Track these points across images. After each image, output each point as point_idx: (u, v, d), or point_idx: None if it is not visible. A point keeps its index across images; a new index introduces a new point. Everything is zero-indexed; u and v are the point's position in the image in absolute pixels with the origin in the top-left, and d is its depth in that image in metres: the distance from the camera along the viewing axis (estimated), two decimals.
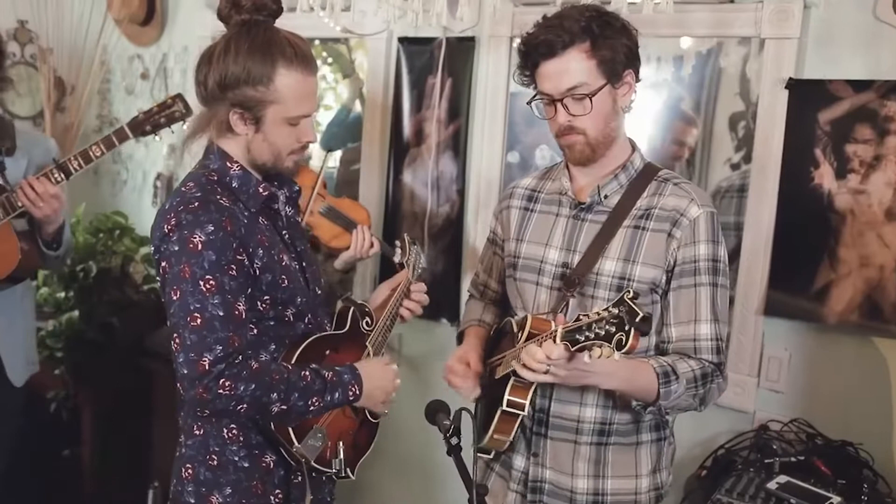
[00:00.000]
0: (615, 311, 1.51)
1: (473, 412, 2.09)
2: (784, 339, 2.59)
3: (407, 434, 3.34)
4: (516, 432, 1.94)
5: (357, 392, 1.87)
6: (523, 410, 1.87)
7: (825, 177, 2.45)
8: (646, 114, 2.73)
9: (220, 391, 1.69)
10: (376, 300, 2.21)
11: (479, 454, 2.06)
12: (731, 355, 2.61)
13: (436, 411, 1.76)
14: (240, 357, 1.72)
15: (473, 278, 2.31)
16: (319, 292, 1.99)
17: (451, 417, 1.70)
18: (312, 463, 1.81)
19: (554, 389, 1.94)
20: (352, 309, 2.06)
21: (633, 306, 1.48)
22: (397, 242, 2.37)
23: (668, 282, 1.90)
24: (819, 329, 2.52)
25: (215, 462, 1.86)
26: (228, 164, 1.84)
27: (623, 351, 1.49)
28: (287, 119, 1.81)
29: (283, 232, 1.92)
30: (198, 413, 1.82)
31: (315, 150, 3.56)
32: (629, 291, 1.51)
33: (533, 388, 1.87)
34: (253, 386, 1.71)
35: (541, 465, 1.98)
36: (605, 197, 1.94)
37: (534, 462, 1.99)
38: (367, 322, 2.08)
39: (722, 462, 2.48)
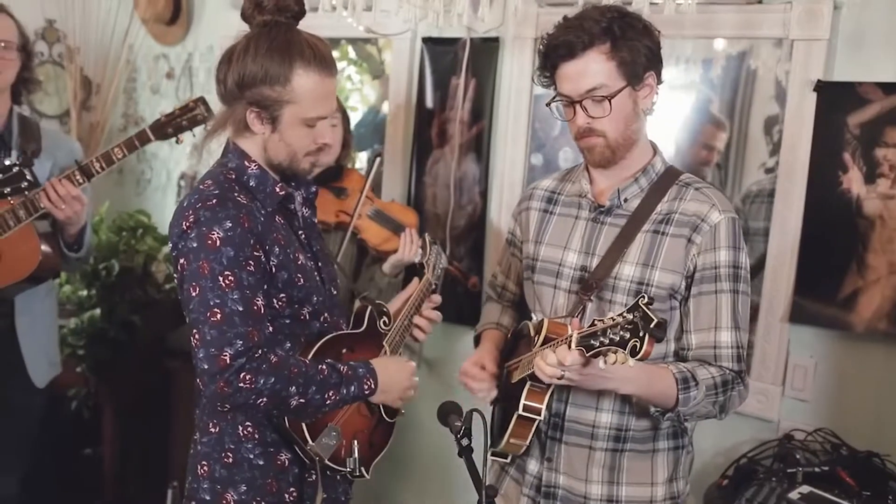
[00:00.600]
0: (630, 316, 1.52)
1: (491, 415, 2.12)
2: (810, 347, 2.58)
3: (425, 436, 3.36)
4: (532, 437, 1.96)
5: (372, 386, 1.90)
6: (540, 415, 1.89)
7: (854, 181, 2.44)
8: (673, 117, 2.73)
9: (241, 385, 1.73)
10: (395, 302, 2.24)
11: (494, 458, 2.09)
12: (755, 363, 2.62)
13: (448, 412, 1.79)
14: (260, 351, 1.76)
15: (491, 279, 2.33)
16: (336, 292, 2.03)
17: (463, 419, 1.72)
18: (326, 461, 1.84)
19: (570, 394, 1.95)
20: (369, 308, 2.09)
21: (648, 312, 1.50)
22: (406, 241, 2.40)
23: (688, 288, 1.91)
24: (846, 337, 2.51)
25: (230, 459, 1.90)
26: (246, 164, 1.88)
27: (637, 357, 1.50)
28: (304, 120, 1.85)
29: (300, 232, 1.96)
30: (217, 409, 1.85)
31: (363, 153, 3.60)
32: (644, 297, 1.53)
33: (550, 392, 1.89)
34: (273, 379, 1.76)
35: (554, 470, 2.00)
36: (625, 200, 1.96)
37: (547, 467, 2.00)
38: (384, 322, 2.11)
39: (744, 471, 2.47)
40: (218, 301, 1.74)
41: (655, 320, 1.49)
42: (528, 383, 1.87)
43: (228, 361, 1.72)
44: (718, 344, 1.89)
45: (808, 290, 2.54)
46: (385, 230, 2.85)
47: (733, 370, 1.89)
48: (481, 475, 1.63)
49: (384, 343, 2.09)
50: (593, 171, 2.01)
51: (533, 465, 2.04)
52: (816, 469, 2.37)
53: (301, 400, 1.80)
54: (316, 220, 2.05)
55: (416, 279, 2.28)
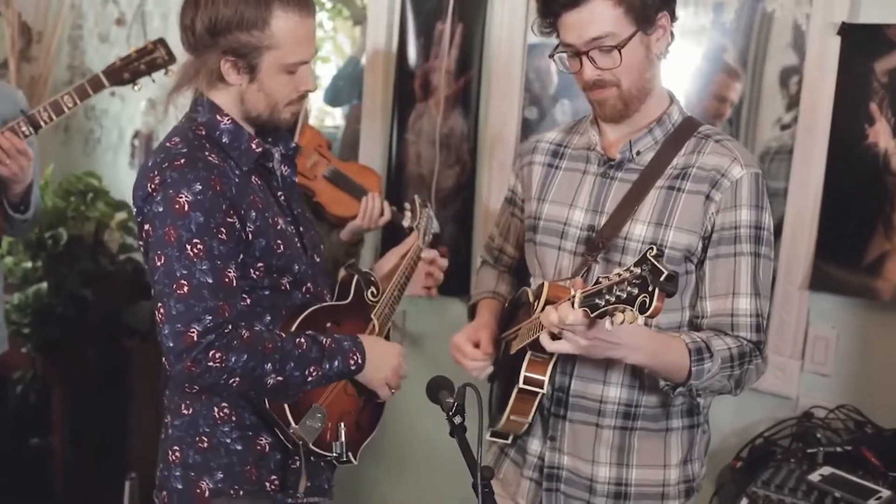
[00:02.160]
0: (637, 270, 1.50)
1: (490, 392, 2.11)
2: (832, 317, 2.58)
3: (411, 419, 3.35)
4: (535, 413, 1.95)
5: (359, 361, 1.89)
6: (542, 388, 1.88)
7: (881, 135, 2.43)
8: (681, 65, 2.70)
9: (210, 364, 1.72)
10: (383, 269, 2.22)
11: (494, 439, 2.08)
12: (772, 335, 2.61)
13: (438, 388, 1.76)
14: (230, 327, 1.74)
15: (487, 242, 2.31)
16: (318, 260, 2.00)
17: (455, 395, 1.70)
18: (311, 446, 1.82)
19: (575, 365, 1.94)
20: (355, 278, 2.07)
21: (657, 264, 1.47)
22: (407, 205, 2.37)
23: (705, 250, 1.89)
24: (871, 306, 2.51)
25: (205, 444, 1.88)
26: (218, 118, 1.85)
27: (647, 314, 1.48)
28: (284, 66, 1.81)
29: (279, 193, 1.93)
30: (186, 390, 1.84)
31: (316, 105, 3.56)
32: (652, 248, 1.50)
33: (552, 363, 1.88)
34: (245, 356, 1.74)
35: (558, 450, 1.99)
36: (638, 153, 1.94)
37: (551, 447, 2.00)
38: (372, 292, 2.08)
39: (760, 452, 2.48)
40: (185, 272, 1.72)
41: (665, 273, 1.46)
42: (529, 353, 1.86)
43: (196, 338, 1.71)
44: (736, 311, 1.88)
45: (829, 255, 2.53)
46: (343, 193, 2.83)
47: (751, 341, 1.88)
48: (476, 454, 1.61)
49: (372, 316, 2.07)
50: (603, 123, 1.99)
51: (535, 445, 2.03)
52: (839, 449, 2.37)
53: (278, 378, 1.78)
54: (297, 179, 2.03)
55: (406, 241, 2.25)
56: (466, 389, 1.71)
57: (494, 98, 3.08)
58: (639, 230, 1.90)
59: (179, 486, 1.90)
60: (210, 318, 1.71)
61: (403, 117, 3.25)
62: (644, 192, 1.91)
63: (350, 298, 2.03)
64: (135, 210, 1.81)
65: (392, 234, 3.05)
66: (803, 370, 2.62)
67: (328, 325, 1.94)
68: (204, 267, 1.72)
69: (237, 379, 1.75)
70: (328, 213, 2.83)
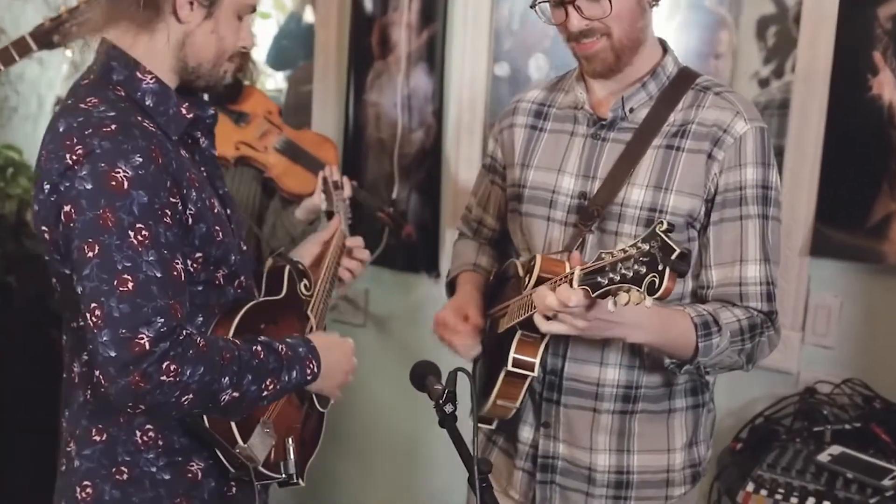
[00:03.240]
0: (645, 247, 1.47)
1: (472, 373, 2.08)
2: (834, 285, 2.59)
3: (379, 412, 3.32)
4: (524, 397, 1.92)
5: (315, 370, 1.76)
6: (533, 371, 1.86)
7: (885, 85, 2.44)
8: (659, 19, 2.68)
9: (164, 378, 1.53)
10: (303, 258, 2.10)
11: (479, 424, 2.04)
12: None
13: (424, 375, 1.71)
14: (185, 332, 1.57)
15: (464, 213, 2.28)
16: (245, 248, 1.87)
17: (446, 381, 1.67)
18: (261, 468, 1.70)
19: (569, 346, 1.92)
20: (287, 269, 1.95)
21: (668, 240, 1.45)
22: (319, 184, 2.32)
23: (708, 214, 1.88)
24: (876, 271, 2.53)
25: (125, 476, 1.71)
26: (139, 75, 1.66)
27: (656, 296, 1.45)
28: (243, 5, 1.71)
29: (202, 169, 1.78)
30: (105, 410, 1.67)
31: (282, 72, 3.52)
32: (662, 223, 1.47)
33: (544, 343, 1.85)
34: (202, 369, 1.57)
35: (552, 437, 1.97)
36: (631, 111, 1.91)
37: (544, 434, 1.98)
38: (305, 285, 1.98)
39: (760, 433, 2.50)
40: (129, 264, 1.53)
41: (678, 251, 1.44)
42: (519, 332, 1.83)
43: (148, 347, 1.51)
44: (744, 280, 1.87)
45: (831, 218, 2.54)
46: (297, 167, 2.77)
47: (762, 311, 1.87)
48: (471, 448, 1.56)
49: (308, 312, 1.96)
50: (591, 80, 1.96)
51: (527, 433, 2.01)
52: (847, 426, 2.40)
53: (234, 394, 1.62)
54: (216, 153, 1.86)
55: (329, 226, 2.19)
56: (458, 374, 1.67)
57: (461, 53, 3.04)
58: (636, 195, 1.87)
59: None
60: (162, 320, 1.53)
61: (360, 77, 3.21)
62: (640, 152, 1.88)
63: (284, 293, 1.92)
64: (47, 187, 1.59)
65: (354, 212, 3.00)
66: (804, 342, 2.64)
67: (262, 325, 1.79)
68: (151, 258, 1.54)
69: (191, 396, 1.57)
70: (282, 188, 2.78)
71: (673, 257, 1.43)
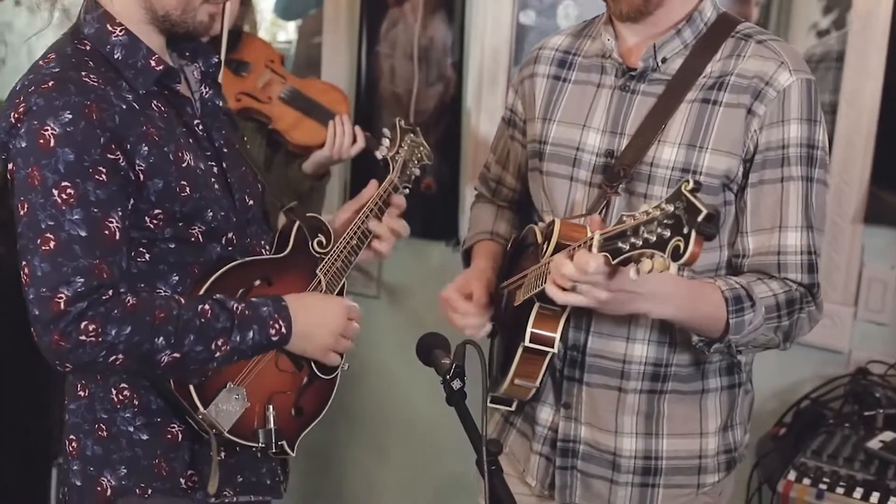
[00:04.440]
0: (669, 208, 1.45)
1: (489, 349, 2.09)
2: (890, 255, 2.58)
3: (393, 390, 3.34)
4: (544, 376, 1.92)
5: (282, 330, 1.81)
6: (553, 347, 1.85)
7: None
8: None
9: (83, 338, 1.63)
10: (339, 219, 2.13)
11: (495, 405, 2.06)
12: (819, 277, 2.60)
13: (431, 348, 1.73)
14: (109, 292, 1.67)
15: (482, 172, 2.27)
16: (251, 203, 1.93)
17: (453, 354, 1.67)
18: (227, 434, 1.78)
19: (592, 319, 1.91)
20: (296, 224, 1.99)
21: (694, 200, 1.42)
22: (385, 131, 2.28)
23: (746, 175, 1.86)
24: None
25: (105, 433, 1.83)
26: (109, 28, 1.77)
27: (681, 262, 1.42)
28: None
29: (196, 122, 1.87)
30: (58, 368, 1.74)
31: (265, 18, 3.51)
32: (688, 182, 1.44)
33: (564, 316, 1.84)
34: (129, 329, 1.66)
35: (573, 419, 1.97)
36: (664, 60, 1.89)
37: (565, 415, 1.98)
38: (319, 242, 2.01)
39: (807, 416, 2.49)
40: (52, 223, 1.64)
41: (704, 211, 1.41)
42: (537, 305, 1.82)
43: (63, 306, 1.62)
44: (783, 248, 1.85)
45: (887, 181, 2.52)
46: (306, 117, 2.78)
47: (802, 284, 1.86)
48: (480, 427, 1.58)
49: (318, 272, 2.00)
50: (620, 25, 1.94)
51: (546, 414, 2.01)
52: None
53: (175, 355, 1.71)
54: (220, 103, 1.95)
55: (373, 182, 2.17)
56: (466, 348, 1.68)
57: (484, 0, 3.03)
58: (667, 154, 1.85)
59: (78, 483, 1.85)
60: (82, 280, 1.63)
61: (374, 26, 3.20)
62: (672, 107, 1.86)
63: (288, 250, 1.96)
64: None
65: (365, 166, 3.00)
66: (856, 318, 2.62)
67: (256, 283, 1.87)
68: (75, 217, 1.64)
69: (120, 356, 1.67)
70: (289, 141, 2.79)
71: (699, 219, 1.40)
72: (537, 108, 2.04)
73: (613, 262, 1.54)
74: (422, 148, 2.28)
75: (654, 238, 1.46)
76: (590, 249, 1.59)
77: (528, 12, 2.99)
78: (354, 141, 2.76)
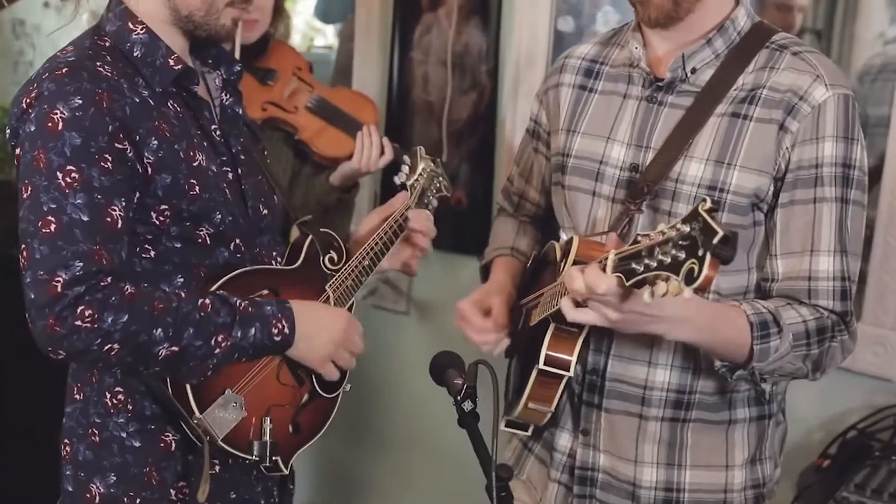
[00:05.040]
0: (685, 228, 1.44)
1: (507, 369, 2.09)
2: None
3: (421, 410, 3.34)
4: (561, 400, 1.92)
5: (285, 331, 1.84)
6: (568, 370, 1.85)
7: None
8: None
9: (78, 323, 1.66)
10: (360, 232, 2.18)
11: (511, 430, 2.06)
12: (868, 302, 2.58)
13: (444, 367, 1.74)
14: (108, 279, 1.70)
15: (505, 186, 2.28)
16: (266, 212, 1.97)
17: (465, 374, 1.68)
18: (220, 442, 1.80)
19: (612, 342, 1.91)
20: (308, 239, 2.03)
21: (710, 221, 1.41)
22: (406, 158, 2.31)
23: (777, 194, 1.84)
24: None
25: (97, 438, 1.87)
26: (130, 26, 1.84)
27: (695, 286, 1.42)
28: None
29: (213, 127, 1.92)
30: (51, 355, 1.76)
31: (304, 20, 3.55)
32: (704, 200, 1.44)
33: (581, 338, 1.84)
34: (126, 317, 1.69)
35: (592, 446, 1.97)
36: (693, 71, 1.88)
37: (583, 442, 1.97)
38: (331, 258, 2.05)
39: (852, 448, 2.46)
40: (54, 206, 1.68)
41: (720, 233, 1.40)
42: (552, 326, 1.82)
43: (60, 289, 1.66)
44: (815, 273, 1.83)
45: None
46: (333, 128, 2.80)
47: (834, 311, 1.83)
48: (490, 450, 1.59)
49: (326, 288, 2.03)
50: (649, 32, 1.93)
51: (564, 440, 2.01)
52: None
53: (172, 348, 1.73)
54: (240, 111, 2.01)
55: (403, 193, 2.21)
56: (479, 367, 1.69)
57: (520, 5, 3.04)
58: (694, 170, 1.84)
59: (70, 489, 1.90)
60: (81, 264, 1.67)
61: (407, 32, 3.23)
62: (701, 120, 1.85)
63: (298, 263, 2.00)
64: (8, 133, 1.79)
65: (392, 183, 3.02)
66: None
67: (264, 292, 1.90)
68: (78, 201, 1.69)
69: (115, 346, 1.70)
70: (315, 152, 2.81)
71: (715, 241, 1.39)
72: (562, 120, 2.04)
73: (627, 284, 1.54)
74: (441, 179, 2.33)
75: (669, 260, 1.45)
76: (604, 269, 1.59)
77: (566, 18, 3.00)
78: (383, 153, 2.78)
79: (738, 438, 1.94)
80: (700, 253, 1.40)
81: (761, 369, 1.79)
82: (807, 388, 2.29)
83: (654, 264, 1.47)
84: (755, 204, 1.84)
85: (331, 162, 2.80)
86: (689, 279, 1.41)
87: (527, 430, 2.05)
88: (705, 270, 1.40)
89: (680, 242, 1.44)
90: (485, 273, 2.21)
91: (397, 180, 2.26)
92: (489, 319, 2.01)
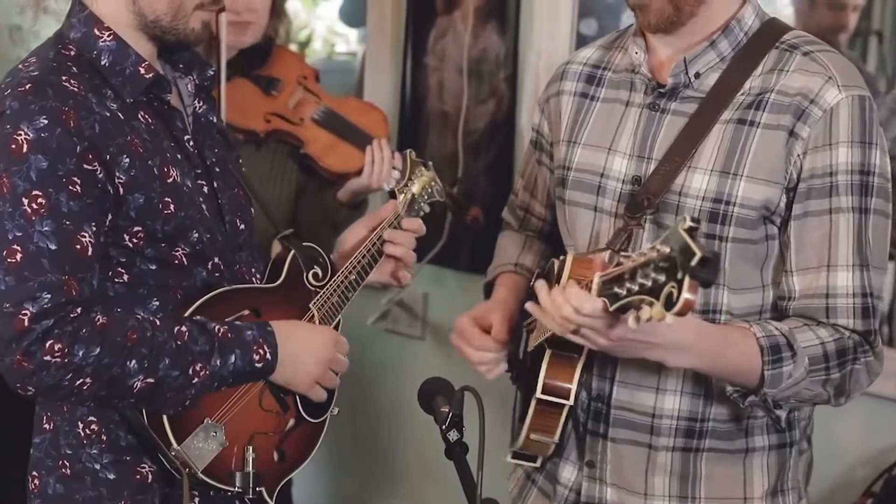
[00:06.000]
0: (665, 249, 1.45)
1: (514, 396, 2.10)
2: None
3: (432, 436, 3.33)
4: (564, 429, 1.93)
5: (267, 356, 1.86)
6: (568, 399, 1.86)
7: None
8: None
9: (47, 358, 1.67)
10: (346, 244, 2.19)
11: (517, 461, 2.07)
12: None
13: (432, 394, 1.76)
14: (78, 310, 1.71)
15: (510, 199, 2.30)
16: (243, 227, 1.98)
17: (452, 402, 1.69)
18: (200, 474, 1.80)
19: (617, 367, 1.91)
20: (290, 254, 2.04)
21: (688, 241, 1.42)
22: (396, 162, 2.34)
23: (790, 206, 1.84)
24: None
25: (68, 470, 1.87)
26: (96, 33, 1.83)
27: (674, 311, 1.43)
28: None
29: (187, 137, 1.93)
30: (18, 391, 1.78)
31: (325, 25, 3.58)
32: (684, 219, 1.44)
33: (581, 364, 1.85)
34: (98, 350, 1.70)
35: (598, 479, 1.97)
36: (697, 76, 1.89)
37: (588, 475, 1.97)
38: (315, 274, 2.06)
39: None
40: (19, 234, 1.69)
41: (698, 254, 1.40)
42: (549, 351, 1.83)
43: (27, 323, 1.67)
44: (833, 290, 1.82)
45: None
46: (341, 141, 2.82)
47: (856, 331, 1.83)
48: (475, 479, 1.62)
49: (311, 306, 2.04)
50: (650, 35, 1.95)
51: (568, 472, 2.01)
52: None
53: (148, 380, 1.75)
54: (213, 118, 2.02)
55: (392, 202, 2.23)
56: (465, 394, 1.71)
57: (540, 8, 3.05)
58: (697, 182, 1.85)
59: None
60: (49, 296, 1.68)
61: (421, 37, 3.25)
62: (705, 128, 1.86)
63: (280, 280, 2.02)
64: None
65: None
66: None
67: (245, 312, 1.91)
68: (45, 228, 1.69)
69: (87, 380, 1.71)
70: (322, 167, 2.83)
71: (693, 263, 1.40)
72: (562, 130, 2.05)
73: (611, 309, 1.56)
74: (433, 184, 2.34)
75: (650, 283, 1.47)
76: (590, 292, 1.61)
77: (589, 21, 3.01)
78: (393, 167, 2.80)
79: (757, 468, 1.94)
80: (679, 276, 1.42)
81: (774, 396, 1.79)
82: (849, 421, 2.29)
83: (636, 288, 1.49)
84: (766, 217, 1.84)
85: (339, 178, 2.82)
86: (669, 304, 1.43)
87: (534, 462, 2.05)
88: (684, 294, 1.41)
89: (660, 264, 1.46)
90: (488, 291, 2.22)
91: (386, 186, 2.30)
92: (488, 336, 2.02)
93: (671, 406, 1.91)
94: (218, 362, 1.81)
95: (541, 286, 1.72)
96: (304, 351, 1.93)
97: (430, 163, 2.37)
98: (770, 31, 1.91)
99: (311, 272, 2.06)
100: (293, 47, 4.22)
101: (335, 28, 4.84)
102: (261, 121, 2.78)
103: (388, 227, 2.18)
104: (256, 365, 1.85)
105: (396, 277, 2.25)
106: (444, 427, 1.70)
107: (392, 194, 2.27)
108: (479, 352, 2.03)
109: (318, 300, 2.05)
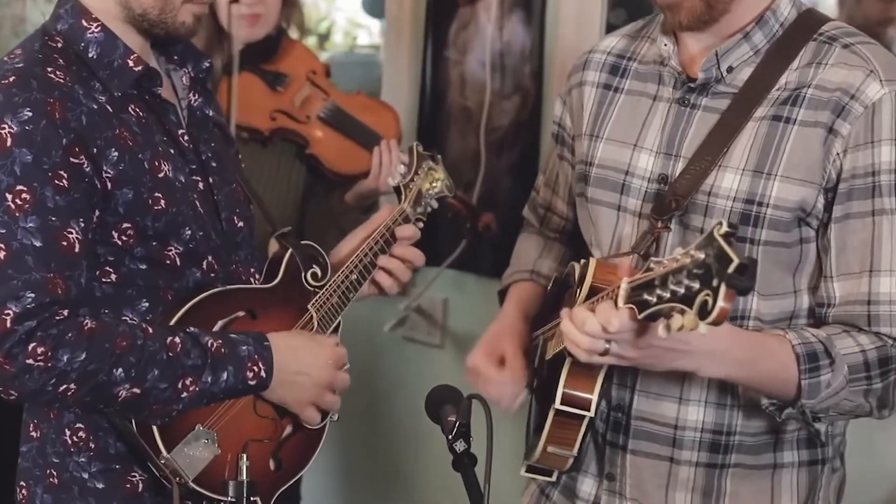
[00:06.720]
0: (700, 255, 1.45)
1: (529, 406, 2.10)
2: None
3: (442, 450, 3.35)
4: (584, 442, 1.92)
5: (261, 374, 1.87)
6: (588, 410, 1.85)
7: None
8: None
9: (30, 361, 1.68)
10: (343, 250, 2.19)
11: (531, 475, 2.07)
12: None
13: (440, 403, 1.77)
14: (64, 312, 1.72)
15: (531, 196, 2.30)
16: (241, 225, 2.00)
17: (459, 411, 1.70)
18: (191, 484, 1.81)
19: (638, 376, 1.91)
20: (288, 253, 2.05)
21: (725, 247, 1.42)
22: (403, 156, 2.33)
23: (829, 207, 1.84)
24: None
25: (56, 479, 1.88)
26: (84, 24, 1.85)
27: (709, 320, 1.43)
28: None
29: (181, 132, 1.94)
30: (2, 396, 1.80)
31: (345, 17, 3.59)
32: (721, 224, 1.45)
33: (603, 372, 1.85)
34: (84, 355, 1.71)
35: (618, 493, 1.97)
36: (729, 70, 1.89)
37: (607, 488, 1.98)
38: (313, 274, 2.07)
39: None
40: (2, 231, 1.71)
41: (736, 261, 1.41)
42: (568, 361, 1.83)
43: (9, 324, 1.68)
44: (875, 297, 1.82)
45: None
46: (349, 141, 2.83)
47: None
48: (483, 490, 1.63)
49: (309, 307, 2.05)
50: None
51: (587, 486, 2.02)
52: None
53: (134, 390, 1.76)
54: (210, 112, 2.03)
55: (386, 206, 2.23)
56: (472, 402, 1.72)
57: None
58: (728, 182, 1.85)
59: None
60: (32, 295, 1.69)
61: (442, 29, 3.26)
62: (738, 125, 1.85)
63: (277, 281, 2.02)
64: None
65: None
66: None
67: (240, 314, 1.92)
68: (30, 224, 1.71)
69: (71, 386, 1.72)
70: (327, 169, 2.84)
71: (730, 270, 1.40)
72: (585, 123, 2.05)
73: (640, 317, 1.56)
74: (441, 178, 2.33)
75: (683, 290, 1.48)
76: (615, 303, 1.61)
77: (619, 11, 3.00)
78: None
79: (786, 486, 1.94)
80: (714, 283, 1.42)
81: (812, 407, 1.78)
82: (889, 432, 2.26)
83: (668, 295, 1.50)
84: (802, 219, 1.84)
85: (345, 179, 2.83)
86: (703, 313, 1.43)
87: (550, 476, 2.05)
88: (720, 303, 1.42)
89: (694, 271, 1.46)
90: (502, 299, 2.23)
91: (391, 182, 2.29)
92: (505, 371, 2.04)
93: (695, 417, 1.90)
94: (209, 378, 1.82)
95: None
96: (301, 374, 1.94)
97: (439, 156, 2.37)
98: (807, 22, 1.90)
99: (310, 272, 2.07)
100: (311, 40, 4.24)
101: (357, 19, 4.84)
102: (266, 118, 2.80)
103: (393, 223, 2.19)
104: (249, 383, 1.87)
105: (379, 288, 2.22)
106: (450, 437, 1.72)
107: (398, 190, 2.27)
108: (497, 389, 2.03)
109: (317, 301, 2.06)
